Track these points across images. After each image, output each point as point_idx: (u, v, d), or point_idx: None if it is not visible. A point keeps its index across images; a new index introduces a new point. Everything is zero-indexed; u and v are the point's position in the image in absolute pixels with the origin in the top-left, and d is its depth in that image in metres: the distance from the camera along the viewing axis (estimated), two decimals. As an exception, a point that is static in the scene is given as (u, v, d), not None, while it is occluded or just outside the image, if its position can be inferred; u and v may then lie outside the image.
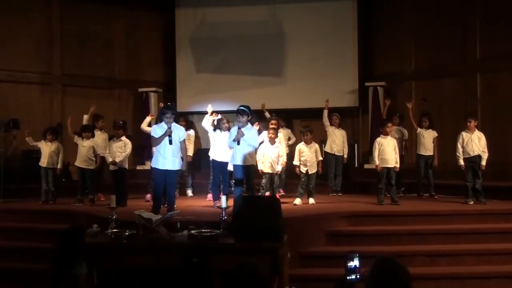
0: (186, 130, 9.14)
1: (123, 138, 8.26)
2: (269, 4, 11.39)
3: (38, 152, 8.54)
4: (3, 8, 10.24)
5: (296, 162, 7.98)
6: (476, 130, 7.81)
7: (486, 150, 7.69)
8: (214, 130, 8.16)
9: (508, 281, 5.83)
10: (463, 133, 7.79)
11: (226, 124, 8.03)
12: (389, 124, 8.05)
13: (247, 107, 7.21)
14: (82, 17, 11.02)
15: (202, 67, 11.52)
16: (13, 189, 8.98)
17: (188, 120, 9.78)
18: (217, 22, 11.51)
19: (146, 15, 11.74)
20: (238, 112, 7.14)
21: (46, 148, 8.41)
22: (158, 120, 7.75)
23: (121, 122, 8.57)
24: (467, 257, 6.18)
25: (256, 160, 7.61)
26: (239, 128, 6.96)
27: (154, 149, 7.28)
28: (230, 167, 7.78)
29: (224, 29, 11.44)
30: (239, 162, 7.08)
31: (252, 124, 7.53)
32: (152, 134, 6.91)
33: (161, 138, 6.71)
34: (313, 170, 7.92)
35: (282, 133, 8.90)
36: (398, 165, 7.84)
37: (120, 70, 11.51)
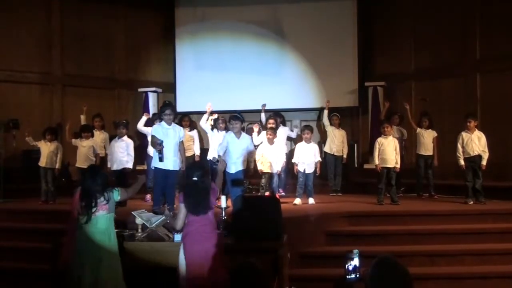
0: (190, 130, 9.25)
1: (125, 138, 8.25)
2: (269, 4, 11.38)
3: (38, 152, 8.54)
4: (3, 8, 10.22)
5: (294, 160, 8.00)
6: (476, 130, 7.81)
7: (486, 150, 7.69)
8: (212, 129, 8.16)
9: (508, 281, 5.84)
10: (463, 133, 7.80)
11: (222, 124, 8.04)
12: (385, 125, 8.05)
13: (240, 114, 7.30)
14: (82, 16, 11.00)
15: (202, 67, 11.50)
16: (13, 189, 8.98)
17: (192, 120, 9.81)
18: (217, 22, 11.50)
19: (146, 15, 11.72)
20: (232, 118, 7.19)
21: (46, 148, 8.41)
22: (158, 120, 7.73)
23: (124, 122, 8.57)
24: (467, 257, 6.20)
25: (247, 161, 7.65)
26: (218, 157, 6.97)
27: (149, 148, 7.26)
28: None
29: (224, 29, 11.42)
30: (233, 170, 7.12)
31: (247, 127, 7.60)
32: (152, 133, 6.88)
33: (155, 147, 6.67)
34: (310, 169, 7.92)
35: (281, 132, 8.89)
36: (398, 166, 7.84)
37: (120, 70, 11.50)
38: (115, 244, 4.63)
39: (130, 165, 8.15)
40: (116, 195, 4.68)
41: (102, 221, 4.57)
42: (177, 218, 4.52)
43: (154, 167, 6.97)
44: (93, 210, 4.53)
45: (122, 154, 8.13)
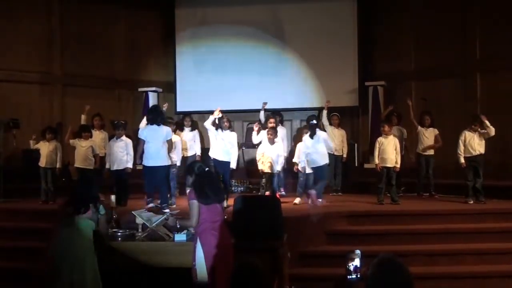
0: (191, 130, 9.42)
1: (124, 137, 8.25)
2: (269, 4, 11.38)
3: (38, 152, 8.54)
4: (3, 8, 10.23)
5: (295, 159, 8.00)
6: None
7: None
8: (216, 129, 8.16)
9: (508, 281, 5.85)
10: (465, 131, 7.80)
11: (226, 123, 8.03)
12: (385, 125, 8.05)
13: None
14: (82, 17, 11.00)
15: (202, 67, 11.51)
16: (13, 189, 8.97)
17: (193, 120, 9.88)
18: (217, 22, 11.50)
19: (146, 15, 11.73)
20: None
21: (45, 148, 8.42)
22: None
23: (122, 122, 8.58)
24: (467, 257, 6.21)
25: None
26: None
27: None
28: (233, 165, 7.84)
29: (224, 29, 11.42)
30: None
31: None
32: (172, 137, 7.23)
33: None
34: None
35: (280, 132, 8.86)
36: (398, 165, 7.83)
37: (120, 70, 11.50)
38: (92, 248, 4.65)
39: (130, 164, 8.16)
40: (102, 209, 4.84)
41: (84, 225, 4.63)
42: (191, 215, 4.56)
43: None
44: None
45: (122, 153, 8.13)
